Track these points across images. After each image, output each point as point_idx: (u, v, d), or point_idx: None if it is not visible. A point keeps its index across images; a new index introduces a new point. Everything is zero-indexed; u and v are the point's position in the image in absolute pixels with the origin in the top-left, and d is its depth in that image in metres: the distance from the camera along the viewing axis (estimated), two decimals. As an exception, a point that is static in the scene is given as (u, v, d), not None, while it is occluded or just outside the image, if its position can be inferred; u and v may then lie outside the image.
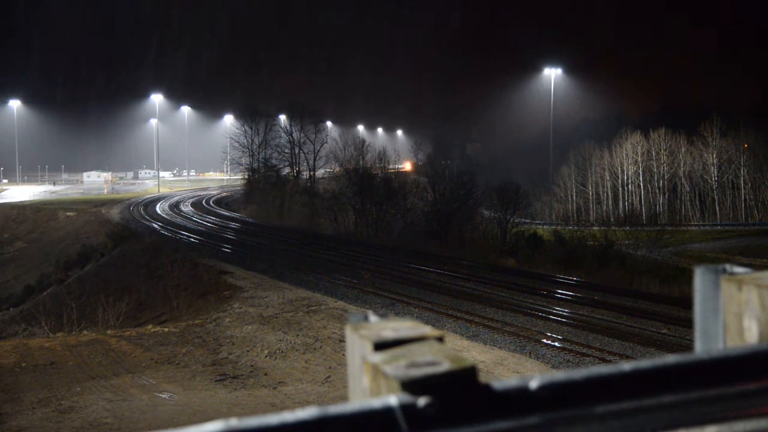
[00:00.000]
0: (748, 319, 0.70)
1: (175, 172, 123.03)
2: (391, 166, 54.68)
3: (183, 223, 44.31)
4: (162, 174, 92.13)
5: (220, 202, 64.52)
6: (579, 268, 26.50)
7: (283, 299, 17.90)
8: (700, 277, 0.75)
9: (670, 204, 61.55)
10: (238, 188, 65.13)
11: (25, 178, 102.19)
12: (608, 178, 64.30)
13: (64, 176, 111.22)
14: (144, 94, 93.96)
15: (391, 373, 0.54)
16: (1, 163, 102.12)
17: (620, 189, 63.82)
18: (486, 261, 28.04)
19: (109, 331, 15.69)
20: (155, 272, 25.99)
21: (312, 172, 60.82)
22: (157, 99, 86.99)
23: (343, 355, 10.97)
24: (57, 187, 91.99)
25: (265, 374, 11.92)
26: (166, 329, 15.37)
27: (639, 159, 62.94)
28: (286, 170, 60.40)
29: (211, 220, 46.32)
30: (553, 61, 67.13)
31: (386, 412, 0.51)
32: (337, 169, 55.16)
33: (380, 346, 0.59)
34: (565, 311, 17.10)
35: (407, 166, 69.47)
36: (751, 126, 59.38)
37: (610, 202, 64.04)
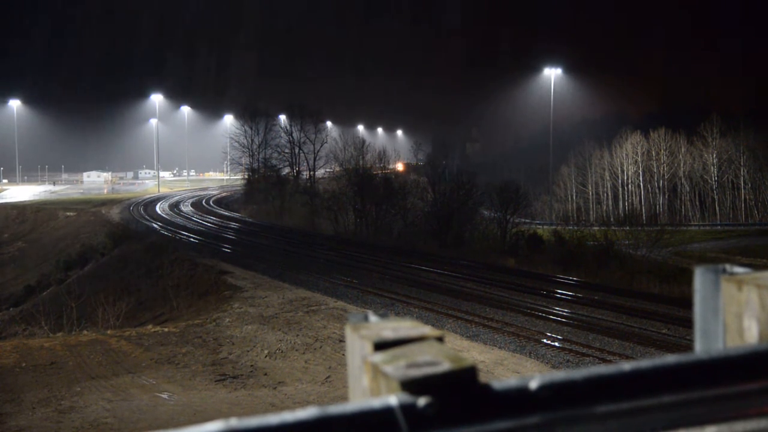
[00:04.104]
0: (748, 319, 0.70)
1: (175, 172, 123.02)
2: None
3: (183, 223, 44.31)
4: (162, 174, 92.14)
5: (220, 202, 64.52)
6: (579, 268, 26.48)
7: (283, 299, 17.90)
8: (700, 277, 0.75)
9: (670, 204, 61.51)
10: (238, 188, 65.12)
11: (25, 178, 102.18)
12: (608, 178, 64.28)
13: (64, 176, 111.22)
14: (144, 94, 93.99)
15: (391, 373, 0.54)
16: (1, 163, 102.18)
17: (620, 189, 63.78)
18: (486, 261, 28.04)
19: (109, 331, 15.69)
20: (155, 272, 26.00)
21: (312, 172, 60.81)
22: (157, 99, 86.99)
23: (343, 355, 10.97)
24: (57, 187, 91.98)
25: (265, 374, 11.93)
26: (166, 329, 15.37)
27: (639, 159, 62.92)
28: (286, 170, 60.41)
29: (211, 220, 46.32)
30: (553, 61, 67.08)
31: (386, 412, 0.51)
32: (337, 169, 55.14)
33: (380, 346, 0.59)
34: (565, 311, 17.10)
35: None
36: (751, 126, 59.34)
37: (610, 202, 64.01)
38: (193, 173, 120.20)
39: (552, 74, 65.90)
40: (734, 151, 59.62)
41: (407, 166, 71.42)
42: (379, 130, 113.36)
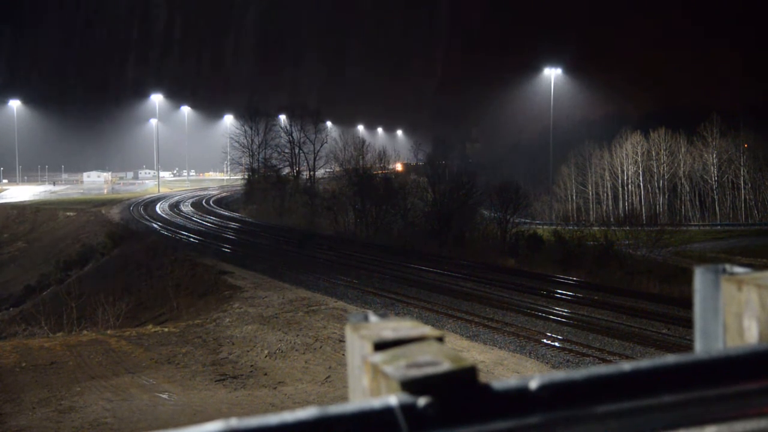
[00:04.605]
0: (748, 319, 0.70)
1: (175, 172, 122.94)
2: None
3: (183, 223, 44.31)
4: (162, 174, 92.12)
5: (220, 202, 64.53)
6: (579, 268, 26.47)
7: (283, 299, 17.90)
8: (700, 277, 0.75)
9: (670, 204, 61.52)
10: (238, 188, 65.15)
11: (25, 178, 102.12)
12: (608, 178, 64.28)
13: (64, 176, 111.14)
14: (144, 94, 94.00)
15: (391, 373, 0.54)
16: (1, 163, 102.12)
17: (620, 189, 63.79)
18: (486, 261, 28.03)
19: (109, 331, 15.69)
20: (155, 272, 26.00)
21: (312, 172, 60.82)
22: (157, 99, 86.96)
23: (343, 355, 10.95)
24: (57, 187, 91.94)
25: (265, 374, 11.93)
26: (166, 329, 15.38)
27: (639, 159, 62.92)
28: (286, 170, 60.44)
29: (211, 220, 46.33)
30: (553, 61, 67.00)
31: (386, 412, 0.51)
32: (337, 169, 55.15)
33: (380, 346, 0.59)
34: (565, 311, 17.10)
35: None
36: (751, 126, 59.37)
37: (610, 202, 64.01)
38: (193, 173, 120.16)
39: (552, 74, 65.85)
40: (734, 151, 59.63)
41: (407, 166, 71.39)
42: (379, 130, 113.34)
